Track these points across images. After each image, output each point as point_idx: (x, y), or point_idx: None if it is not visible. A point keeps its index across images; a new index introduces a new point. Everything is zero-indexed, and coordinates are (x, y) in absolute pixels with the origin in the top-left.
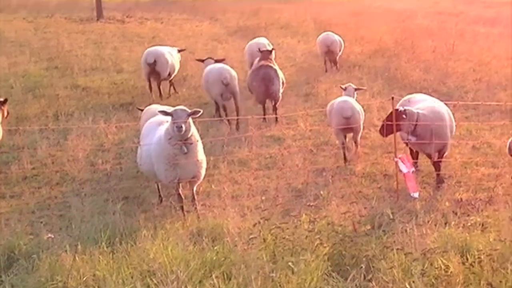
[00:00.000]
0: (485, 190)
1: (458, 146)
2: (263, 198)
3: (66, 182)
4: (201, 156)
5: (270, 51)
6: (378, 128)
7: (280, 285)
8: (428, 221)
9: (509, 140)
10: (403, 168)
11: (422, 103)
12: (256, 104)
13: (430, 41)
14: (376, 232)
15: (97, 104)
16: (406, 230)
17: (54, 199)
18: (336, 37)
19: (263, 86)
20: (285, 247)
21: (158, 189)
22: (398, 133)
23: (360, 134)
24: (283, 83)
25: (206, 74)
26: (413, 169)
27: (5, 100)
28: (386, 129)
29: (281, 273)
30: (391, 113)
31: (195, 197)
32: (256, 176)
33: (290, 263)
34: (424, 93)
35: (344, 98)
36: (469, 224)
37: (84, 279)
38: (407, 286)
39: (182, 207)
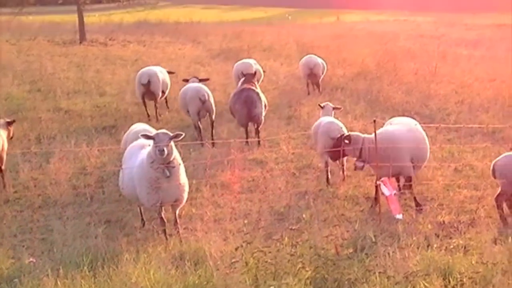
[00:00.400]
0: (467, 213)
1: (440, 168)
2: (246, 221)
3: (48, 206)
4: (183, 179)
5: (253, 74)
6: None
7: None
8: (411, 244)
9: (493, 162)
10: (386, 191)
11: (391, 127)
12: (239, 127)
13: (412, 63)
14: (359, 255)
15: (79, 127)
16: (388, 253)
17: (36, 223)
18: (319, 60)
19: (245, 109)
20: (267, 271)
21: (141, 213)
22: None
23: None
24: (265, 106)
25: (183, 92)
26: (395, 191)
27: (13, 121)
28: (333, 154)
29: None
30: (339, 138)
31: (178, 220)
32: (239, 200)
33: (272, 287)
34: (406, 115)
35: (330, 119)
36: (451, 246)
37: None
38: None
39: (164, 231)
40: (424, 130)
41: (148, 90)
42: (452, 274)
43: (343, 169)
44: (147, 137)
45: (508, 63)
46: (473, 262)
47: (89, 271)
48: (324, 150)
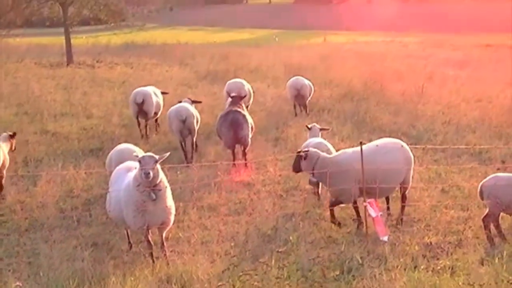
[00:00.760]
0: (454, 233)
1: (427, 189)
2: (233, 244)
3: (35, 229)
4: (170, 202)
5: (241, 97)
6: None
7: None
8: (397, 266)
9: (480, 184)
10: (372, 212)
11: (349, 150)
12: (226, 149)
13: (399, 84)
14: (345, 277)
15: (66, 149)
16: (375, 275)
17: (23, 246)
18: (306, 81)
19: (232, 131)
20: None
21: (128, 235)
22: None
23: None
24: (252, 128)
25: (169, 112)
26: (381, 213)
27: (14, 134)
28: (293, 167)
29: None
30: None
31: (164, 243)
32: (226, 222)
33: None
34: (393, 136)
35: (318, 139)
36: (438, 267)
37: None
38: None
39: (151, 254)
40: (411, 151)
41: (142, 110)
42: None
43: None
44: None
45: (495, 84)
46: (460, 283)
47: None
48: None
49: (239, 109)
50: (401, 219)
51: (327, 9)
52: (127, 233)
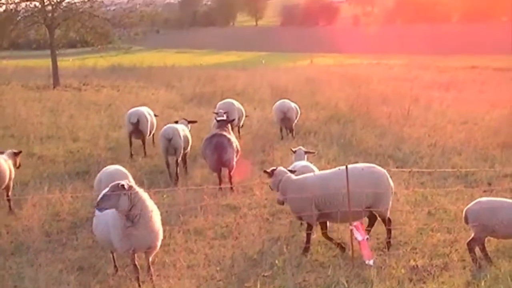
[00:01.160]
0: (440, 256)
1: (413, 212)
2: (219, 268)
3: (20, 252)
4: (157, 226)
5: (228, 121)
6: None
7: None
8: None
9: (465, 209)
10: (358, 236)
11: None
12: (212, 172)
13: (385, 106)
14: None
15: (52, 172)
16: None
17: (9, 270)
18: (292, 104)
19: (216, 154)
20: None
21: (114, 259)
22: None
23: None
24: (237, 151)
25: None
26: (367, 236)
27: (20, 152)
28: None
29: None
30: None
31: (151, 267)
32: (212, 246)
33: None
34: (380, 159)
35: (304, 163)
36: None
37: None
38: None
39: (137, 278)
40: (387, 175)
41: (137, 129)
42: None
43: None
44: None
45: (480, 105)
46: None
47: None
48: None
49: (224, 133)
50: (388, 242)
51: (314, 32)
52: (113, 257)
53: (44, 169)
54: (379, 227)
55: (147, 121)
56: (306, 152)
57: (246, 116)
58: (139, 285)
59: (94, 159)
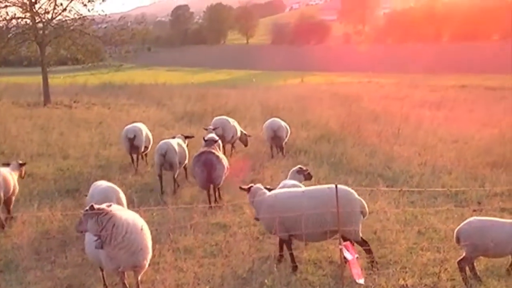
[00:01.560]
0: (430, 276)
1: (403, 231)
2: (208, 287)
3: (10, 270)
4: (135, 247)
5: (214, 141)
6: None
7: None
8: None
9: (457, 228)
10: (348, 255)
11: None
12: (202, 191)
13: (376, 125)
14: None
15: (42, 190)
16: None
17: None
18: (282, 123)
19: (205, 172)
20: None
21: (103, 277)
22: None
23: None
24: (226, 168)
25: None
26: (357, 255)
27: (24, 163)
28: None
29: None
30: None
31: (140, 286)
32: (202, 264)
33: None
34: (370, 178)
35: (293, 182)
36: None
37: None
38: None
39: None
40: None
41: (133, 144)
42: None
43: None
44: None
45: (471, 124)
46: None
47: None
48: None
49: (213, 150)
50: (372, 261)
51: (305, 50)
52: (103, 275)
53: (34, 186)
54: (370, 246)
55: (143, 137)
56: (299, 171)
57: (249, 136)
58: None
59: (84, 177)
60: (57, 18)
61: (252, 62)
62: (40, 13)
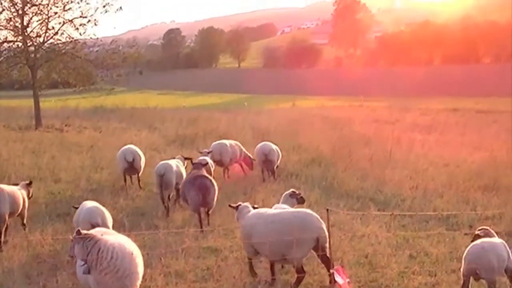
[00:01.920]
0: None
1: (395, 255)
2: None
3: None
4: (133, 269)
5: (203, 165)
6: None
7: None
8: None
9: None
10: (339, 279)
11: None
12: (193, 215)
13: (367, 149)
14: None
15: (33, 214)
16: None
17: None
18: (274, 147)
19: (200, 195)
20: None
21: None
22: None
23: None
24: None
25: None
26: (348, 279)
27: (31, 182)
28: None
29: None
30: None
31: None
32: None
33: None
34: (361, 202)
35: (284, 206)
36: None
37: None
38: None
39: None
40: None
41: (132, 166)
42: None
43: None
44: None
45: (462, 148)
46: None
47: None
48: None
49: (206, 174)
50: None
51: (296, 74)
52: None
53: None
54: (360, 270)
55: (141, 159)
56: (292, 195)
57: (254, 160)
58: None
59: (75, 200)
60: (48, 42)
61: (243, 85)
62: (32, 37)
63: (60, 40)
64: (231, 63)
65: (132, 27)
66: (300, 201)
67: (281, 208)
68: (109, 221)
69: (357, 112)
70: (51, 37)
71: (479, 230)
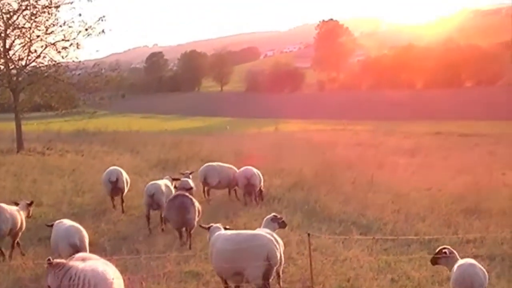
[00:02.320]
0: None
1: (376, 279)
2: None
3: None
4: None
5: (187, 189)
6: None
7: None
8: None
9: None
10: None
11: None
12: (175, 239)
13: (350, 172)
14: None
15: None
16: None
17: None
18: (255, 171)
19: (180, 214)
20: None
21: None
22: None
23: (282, 267)
24: (199, 212)
25: None
26: None
27: (32, 202)
28: None
29: None
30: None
31: None
32: None
33: None
34: (344, 226)
35: (266, 230)
36: None
37: None
38: None
39: None
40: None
41: (116, 186)
42: None
43: (278, 278)
44: None
45: (445, 171)
46: None
47: None
48: None
49: (186, 193)
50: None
51: (279, 98)
52: None
53: None
54: None
55: (125, 179)
56: (273, 219)
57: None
58: None
59: None
60: (31, 65)
61: (226, 109)
62: (14, 60)
63: (42, 63)
64: (214, 87)
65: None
66: (282, 225)
67: (262, 231)
68: (86, 239)
69: (340, 135)
70: (34, 60)
71: (444, 248)
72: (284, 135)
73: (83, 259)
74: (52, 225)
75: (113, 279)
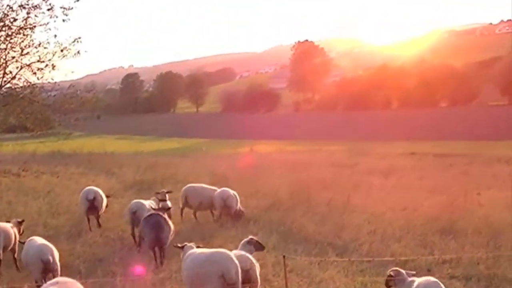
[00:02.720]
0: None
1: None
2: None
3: None
4: None
5: (165, 209)
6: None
7: None
8: None
9: None
10: None
11: None
12: (152, 261)
13: (326, 193)
14: None
15: None
16: None
17: None
18: (232, 192)
19: (154, 232)
20: None
21: None
22: None
23: None
24: (172, 231)
25: None
26: None
27: (23, 221)
28: None
29: None
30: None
31: None
32: None
33: None
34: (319, 247)
35: (242, 252)
36: None
37: None
38: None
39: None
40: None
41: (92, 205)
42: None
43: None
44: None
45: (420, 192)
46: None
47: None
48: None
49: (160, 213)
50: None
51: (255, 118)
52: None
53: None
54: None
55: (102, 198)
56: (249, 242)
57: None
58: None
59: None
60: (6, 86)
61: (202, 130)
62: None
63: (17, 84)
64: (189, 108)
65: (90, 71)
66: (258, 247)
67: (238, 255)
68: (56, 257)
69: (315, 156)
70: (9, 82)
71: (391, 271)
72: (259, 156)
73: (57, 283)
74: (24, 242)
75: None
